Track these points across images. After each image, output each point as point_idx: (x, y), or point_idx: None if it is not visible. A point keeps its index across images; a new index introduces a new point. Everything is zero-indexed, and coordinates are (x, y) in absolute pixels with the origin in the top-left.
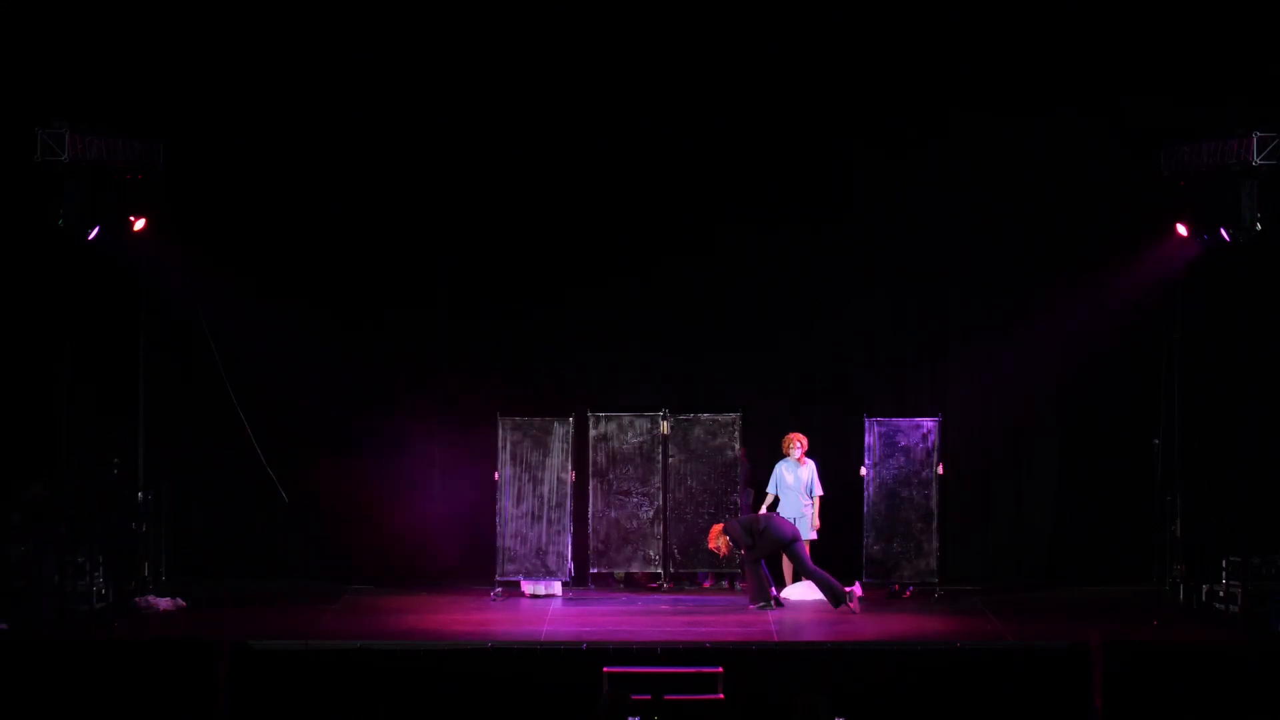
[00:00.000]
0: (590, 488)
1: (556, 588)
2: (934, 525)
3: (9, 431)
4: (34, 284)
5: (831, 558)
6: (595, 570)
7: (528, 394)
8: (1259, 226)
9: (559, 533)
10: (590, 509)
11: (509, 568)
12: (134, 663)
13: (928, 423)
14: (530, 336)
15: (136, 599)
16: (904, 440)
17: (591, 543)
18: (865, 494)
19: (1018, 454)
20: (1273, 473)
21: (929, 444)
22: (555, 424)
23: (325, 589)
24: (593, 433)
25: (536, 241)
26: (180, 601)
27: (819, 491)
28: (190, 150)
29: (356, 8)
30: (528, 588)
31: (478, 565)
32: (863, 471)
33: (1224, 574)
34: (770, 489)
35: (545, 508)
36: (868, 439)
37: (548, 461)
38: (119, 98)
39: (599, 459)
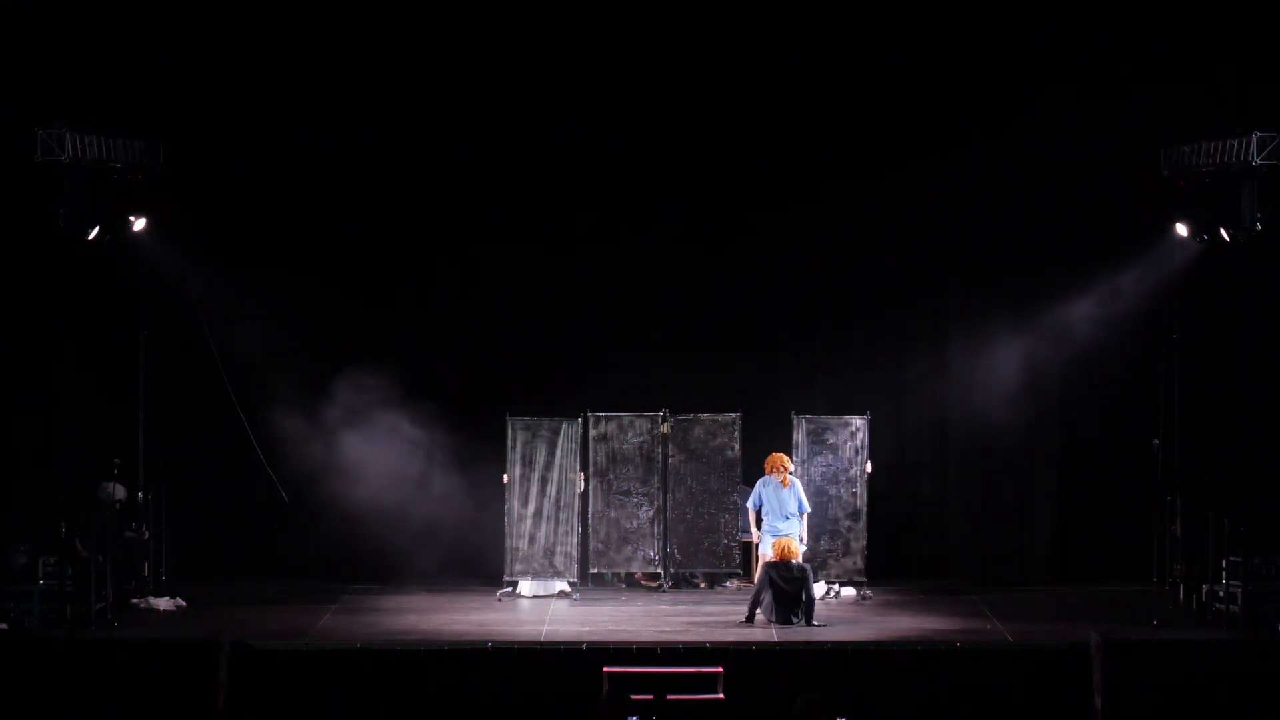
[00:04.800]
0: (590, 488)
1: (560, 587)
2: (861, 523)
3: (9, 432)
4: (34, 284)
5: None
6: (595, 570)
7: (528, 394)
8: (1259, 226)
9: (567, 533)
10: (590, 509)
11: (517, 568)
12: (134, 663)
13: (857, 420)
14: (531, 337)
15: (136, 599)
16: (832, 438)
17: (591, 543)
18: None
19: (1018, 454)
20: (1273, 473)
21: (857, 441)
22: (564, 425)
23: (325, 589)
24: (593, 433)
25: (535, 240)
26: (180, 601)
27: (806, 509)
28: (190, 150)
29: (353, 7)
30: (525, 588)
31: (478, 565)
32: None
33: (1224, 574)
34: (751, 505)
35: (554, 508)
36: (795, 436)
37: (556, 462)
38: (119, 98)
39: (599, 459)
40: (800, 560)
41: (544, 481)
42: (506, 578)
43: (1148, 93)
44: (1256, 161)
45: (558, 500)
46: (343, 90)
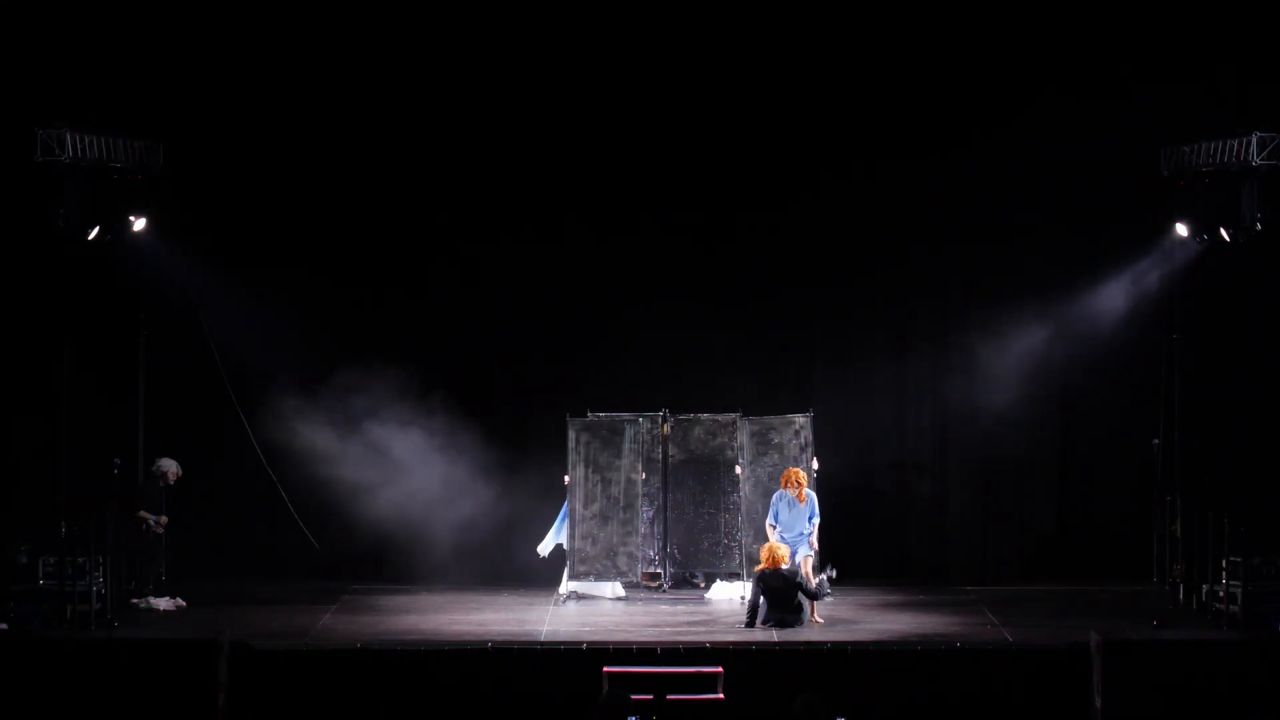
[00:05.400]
0: None
1: (608, 589)
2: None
3: (9, 432)
4: (34, 284)
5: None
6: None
7: (529, 394)
8: (1259, 226)
9: (629, 534)
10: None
11: (580, 569)
12: (134, 662)
13: (800, 419)
14: (531, 337)
15: (136, 599)
16: (776, 437)
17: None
18: (741, 491)
19: (1018, 453)
20: (1273, 473)
21: (801, 440)
22: (626, 425)
23: (325, 589)
24: None
25: (535, 240)
26: (180, 601)
27: (818, 519)
28: (190, 150)
29: (353, 7)
30: (577, 586)
31: (480, 565)
32: (737, 470)
33: (1224, 574)
34: (771, 522)
35: (616, 509)
36: (739, 437)
37: (617, 462)
38: (119, 98)
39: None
40: (789, 565)
41: (606, 482)
42: (569, 579)
43: (1148, 93)
44: (1256, 161)
45: (620, 501)
46: (343, 90)
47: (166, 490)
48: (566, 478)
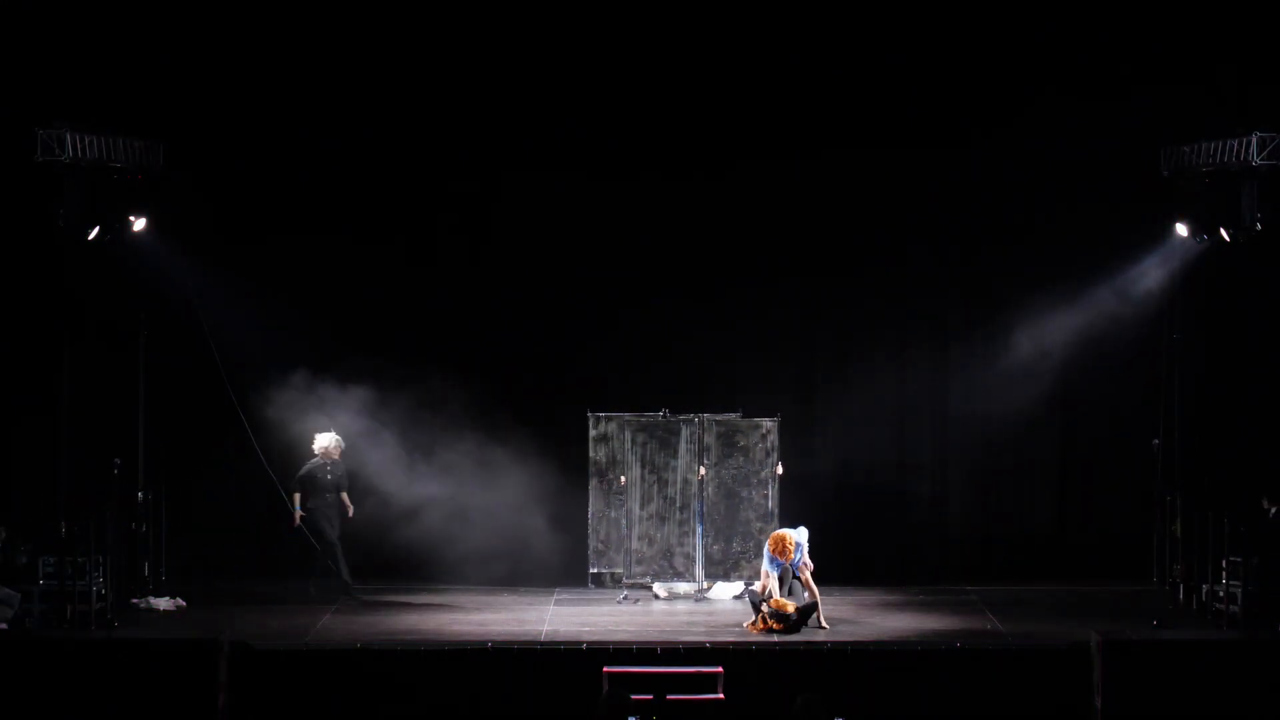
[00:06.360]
0: (590, 488)
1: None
2: (774, 525)
3: (9, 432)
4: (34, 284)
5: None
6: (594, 570)
7: (529, 394)
8: (1259, 226)
9: (686, 534)
10: (590, 509)
11: (637, 569)
12: (134, 663)
13: (767, 422)
14: (531, 336)
15: (136, 599)
16: (743, 440)
17: (591, 543)
18: (703, 493)
19: (1018, 453)
20: (1273, 473)
21: (768, 444)
22: (682, 425)
23: (325, 589)
24: (592, 433)
25: (536, 241)
26: (180, 601)
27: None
28: (190, 150)
29: (353, 7)
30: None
31: (481, 565)
32: (700, 471)
33: (1224, 574)
34: (766, 568)
35: (672, 509)
36: (705, 438)
37: (674, 463)
38: (119, 98)
39: (599, 459)
40: (793, 610)
41: (663, 483)
42: (626, 580)
43: (1148, 93)
44: (1256, 161)
45: (676, 501)
46: (343, 90)
47: (333, 468)
48: (624, 478)
